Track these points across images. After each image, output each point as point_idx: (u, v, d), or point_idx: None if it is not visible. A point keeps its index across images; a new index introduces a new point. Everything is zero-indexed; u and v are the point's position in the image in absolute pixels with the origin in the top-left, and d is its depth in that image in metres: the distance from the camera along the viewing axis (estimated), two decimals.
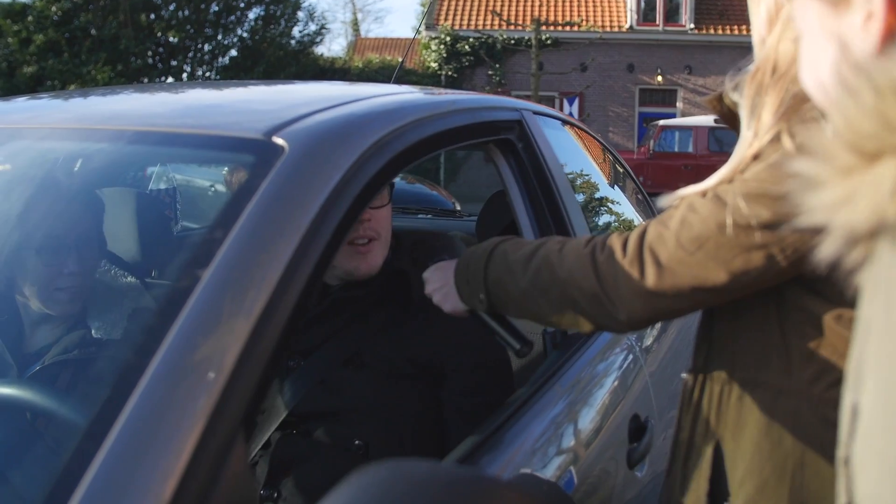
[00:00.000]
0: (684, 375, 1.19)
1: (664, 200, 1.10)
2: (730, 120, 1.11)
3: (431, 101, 1.44)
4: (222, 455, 0.72)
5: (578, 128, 2.33)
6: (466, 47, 19.42)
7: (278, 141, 1.06)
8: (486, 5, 19.79)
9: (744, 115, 1.04)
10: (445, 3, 20.31)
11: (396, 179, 1.70)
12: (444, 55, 19.48)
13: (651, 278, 1.05)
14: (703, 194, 1.04)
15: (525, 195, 1.73)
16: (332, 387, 1.53)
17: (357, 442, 1.48)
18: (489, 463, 1.26)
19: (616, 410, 1.64)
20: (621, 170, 2.72)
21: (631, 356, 1.82)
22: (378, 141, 1.16)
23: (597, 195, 2.34)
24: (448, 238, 1.79)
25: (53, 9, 16.06)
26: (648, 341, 1.99)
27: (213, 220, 0.92)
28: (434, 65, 19.58)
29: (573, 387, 1.60)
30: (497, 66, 19.28)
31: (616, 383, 1.72)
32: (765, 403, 1.04)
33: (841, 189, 0.48)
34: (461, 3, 20.35)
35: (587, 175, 2.27)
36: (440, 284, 1.34)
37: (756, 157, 1.00)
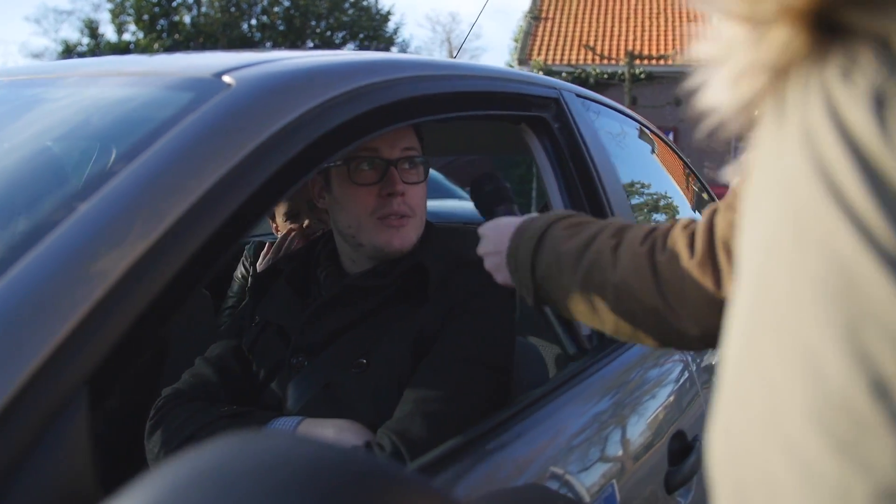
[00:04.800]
0: None
1: (730, 173, 0.88)
2: None
3: (439, 62, 1.28)
4: (49, 417, 0.56)
5: (633, 119, 2.11)
6: None
7: (226, 79, 0.91)
8: (580, 40, 19.60)
9: None
10: (538, 39, 20.24)
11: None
12: None
13: (730, 283, 0.81)
14: None
15: (561, 182, 1.53)
16: (335, 392, 1.35)
17: None
18: (511, 452, 1.06)
19: (671, 426, 1.41)
20: (684, 168, 2.47)
21: (683, 366, 1.58)
22: (353, 90, 1.00)
23: (650, 190, 2.10)
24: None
25: (156, 46, 16.83)
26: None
27: (122, 151, 0.77)
28: None
29: (620, 386, 1.39)
30: None
31: (672, 398, 1.49)
32: None
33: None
34: (554, 38, 20.23)
35: (639, 167, 2.05)
36: (493, 250, 1.14)
37: None
